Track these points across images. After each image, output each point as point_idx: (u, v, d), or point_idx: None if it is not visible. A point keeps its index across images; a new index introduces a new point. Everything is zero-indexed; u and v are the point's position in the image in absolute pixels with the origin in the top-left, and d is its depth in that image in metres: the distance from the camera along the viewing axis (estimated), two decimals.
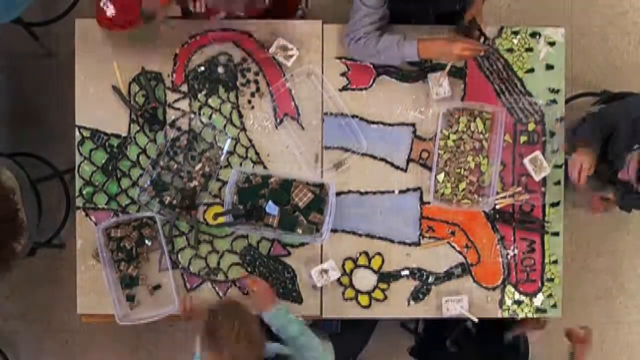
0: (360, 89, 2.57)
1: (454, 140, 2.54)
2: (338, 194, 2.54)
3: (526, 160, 2.54)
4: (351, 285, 2.56)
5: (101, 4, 2.36)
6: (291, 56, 2.52)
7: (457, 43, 2.30)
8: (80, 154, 2.53)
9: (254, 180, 2.52)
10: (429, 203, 2.55)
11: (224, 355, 1.91)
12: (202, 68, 2.54)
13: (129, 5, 2.37)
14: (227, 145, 2.52)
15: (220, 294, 2.53)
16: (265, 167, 2.55)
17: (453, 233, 2.57)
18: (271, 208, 2.48)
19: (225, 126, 2.55)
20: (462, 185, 2.54)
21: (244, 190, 2.52)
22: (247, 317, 2.01)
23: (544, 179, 2.57)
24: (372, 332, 2.81)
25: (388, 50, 2.36)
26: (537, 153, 2.54)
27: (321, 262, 2.53)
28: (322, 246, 2.54)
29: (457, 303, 2.53)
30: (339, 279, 2.54)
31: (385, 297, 2.56)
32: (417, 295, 2.56)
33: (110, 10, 2.36)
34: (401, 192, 2.57)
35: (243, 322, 1.95)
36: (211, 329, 1.96)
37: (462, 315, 2.52)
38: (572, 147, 2.47)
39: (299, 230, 2.48)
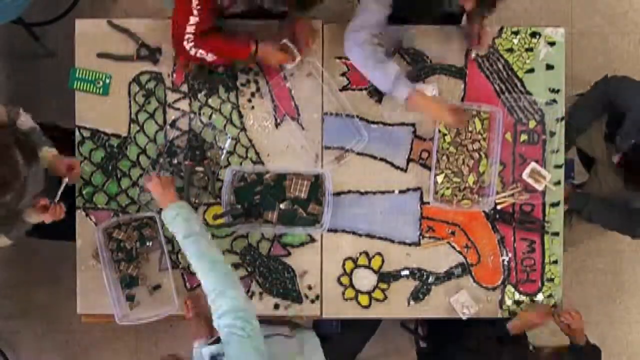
0: (360, 89, 2.57)
1: (452, 141, 2.54)
2: (338, 193, 2.54)
3: (525, 176, 2.53)
4: (351, 285, 2.56)
5: (196, 54, 2.33)
6: (292, 59, 2.51)
7: (445, 112, 2.35)
8: (80, 154, 2.53)
9: (249, 178, 2.52)
10: (429, 203, 2.55)
11: None
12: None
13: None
14: (227, 145, 2.53)
15: None
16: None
17: (453, 233, 2.57)
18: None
19: (225, 126, 2.55)
20: (462, 186, 2.54)
21: (241, 189, 2.52)
22: None
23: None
24: (374, 332, 2.81)
25: (383, 76, 2.32)
26: (532, 165, 2.53)
27: (321, 262, 2.54)
28: (322, 246, 2.55)
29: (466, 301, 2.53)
30: (338, 279, 2.54)
31: (385, 297, 2.56)
32: (417, 295, 2.56)
33: (209, 58, 2.36)
34: (401, 192, 2.57)
35: None
36: None
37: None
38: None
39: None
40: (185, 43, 2.31)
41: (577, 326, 2.47)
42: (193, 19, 2.26)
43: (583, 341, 2.50)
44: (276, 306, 2.53)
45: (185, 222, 2.12)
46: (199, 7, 2.23)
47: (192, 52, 2.33)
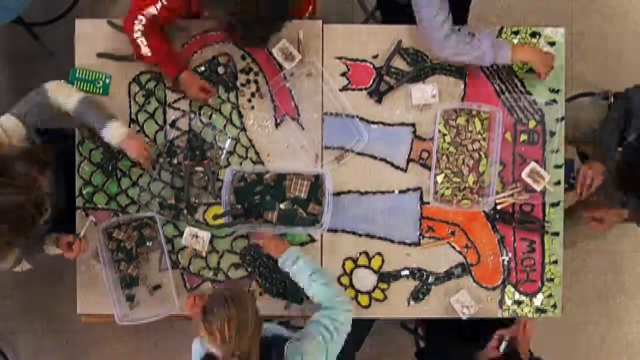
0: (360, 89, 2.57)
1: (452, 141, 2.54)
2: (338, 193, 2.54)
3: (524, 176, 2.52)
4: (351, 285, 2.56)
5: (136, 40, 2.37)
6: (293, 58, 2.51)
7: (539, 60, 2.46)
8: (80, 154, 2.53)
9: (249, 178, 2.52)
10: (429, 203, 2.55)
11: (216, 336, 1.92)
12: (202, 68, 2.54)
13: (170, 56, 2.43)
14: (227, 145, 2.53)
15: None
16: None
17: (453, 233, 2.57)
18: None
19: (225, 126, 2.55)
20: (462, 186, 2.54)
21: (240, 189, 2.52)
22: (243, 302, 1.99)
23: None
24: (369, 331, 2.80)
25: (481, 53, 2.40)
26: (532, 165, 2.52)
27: (321, 262, 2.54)
28: (322, 246, 2.55)
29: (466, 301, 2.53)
30: (338, 278, 2.54)
31: (385, 297, 2.56)
32: (417, 295, 2.56)
33: (144, 50, 2.38)
34: (401, 192, 2.57)
35: (237, 306, 1.95)
36: (207, 310, 1.97)
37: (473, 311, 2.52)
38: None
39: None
40: (135, 22, 2.34)
41: None
42: (154, 9, 2.31)
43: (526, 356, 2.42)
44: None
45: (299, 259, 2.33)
46: (166, 2, 2.30)
47: (136, 35, 2.36)
